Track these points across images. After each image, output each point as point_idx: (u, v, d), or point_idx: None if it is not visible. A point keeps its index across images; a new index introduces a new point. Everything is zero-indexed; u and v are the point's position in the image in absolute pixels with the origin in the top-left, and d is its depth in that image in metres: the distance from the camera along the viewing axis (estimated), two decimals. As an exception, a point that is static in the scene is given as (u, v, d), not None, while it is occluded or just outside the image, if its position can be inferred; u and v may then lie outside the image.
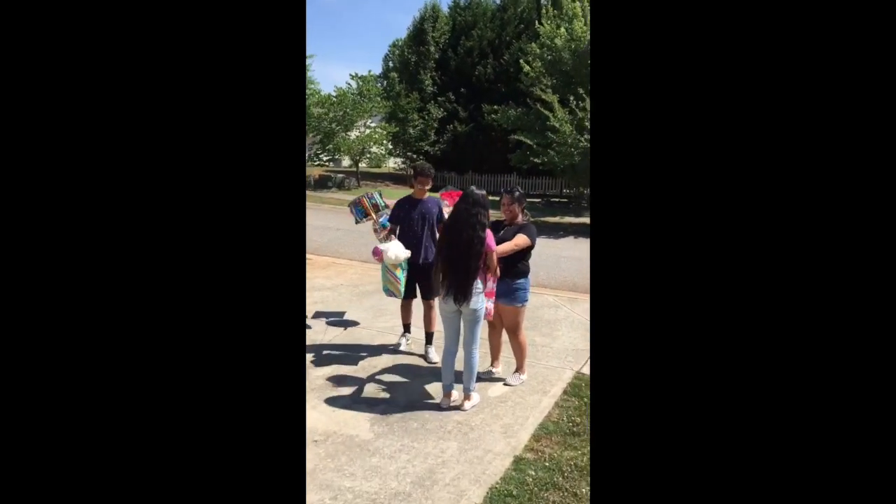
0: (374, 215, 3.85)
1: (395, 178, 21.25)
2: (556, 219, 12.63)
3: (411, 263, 3.60)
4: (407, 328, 3.95)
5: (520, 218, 3.28)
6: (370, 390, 3.21)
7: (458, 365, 3.05)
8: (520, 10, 20.85)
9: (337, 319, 4.56)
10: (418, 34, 21.99)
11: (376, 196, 3.95)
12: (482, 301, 2.89)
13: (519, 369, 3.42)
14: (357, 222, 3.99)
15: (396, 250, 3.45)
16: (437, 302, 3.11)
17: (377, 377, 3.40)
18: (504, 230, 3.23)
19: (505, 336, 3.41)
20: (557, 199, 17.23)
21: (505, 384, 3.36)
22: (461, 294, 2.80)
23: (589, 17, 13.09)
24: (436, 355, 3.64)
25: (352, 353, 3.78)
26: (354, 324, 4.46)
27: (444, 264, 2.85)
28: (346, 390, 3.18)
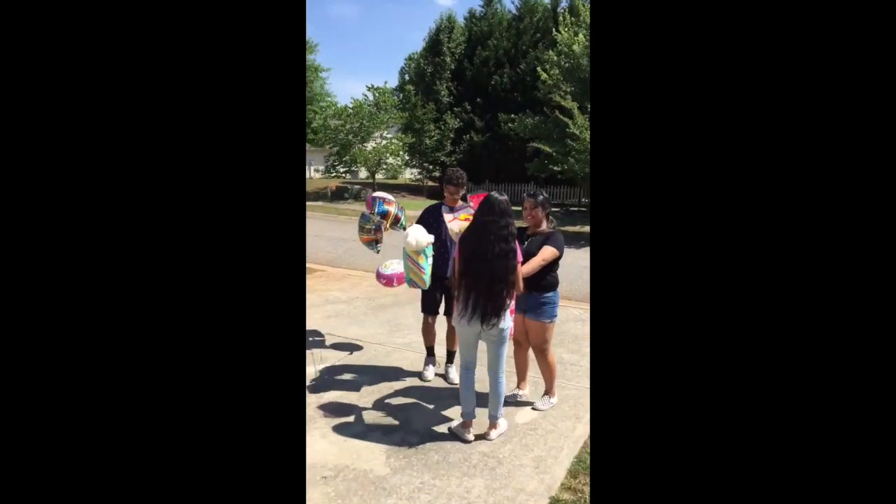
0: (388, 223, 3.50)
1: (411, 189, 21.13)
2: (577, 228, 12.28)
3: (438, 278, 3.27)
4: (431, 352, 3.53)
5: (544, 225, 2.96)
6: (386, 416, 2.93)
7: (478, 385, 2.76)
8: (536, 19, 20.75)
9: (351, 335, 4.31)
10: (434, 45, 22.01)
11: (402, 213, 3.58)
12: (509, 319, 2.61)
13: (548, 392, 3.11)
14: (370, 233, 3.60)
15: (417, 234, 3.04)
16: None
17: (393, 401, 3.12)
18: (528, 240, 2.93)
19: (530, 354, 3.11)
20: (577, 209, 16.91)
21: (533, 408, 3.05)
22: (494, 315, 2.49)
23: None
24: (457, 375, 3.35)
25: (366, 373, 3.52)
26: (370, 340, 4.21)
27: (468, 282, 2.51)
28: (360, 416, 2.91)
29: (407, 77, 24.09)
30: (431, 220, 3.31)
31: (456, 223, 2.98)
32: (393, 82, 23.68)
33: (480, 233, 2.50)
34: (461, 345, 2.69)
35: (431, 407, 3.05)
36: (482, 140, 19.94)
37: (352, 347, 4.02)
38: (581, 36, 13.41)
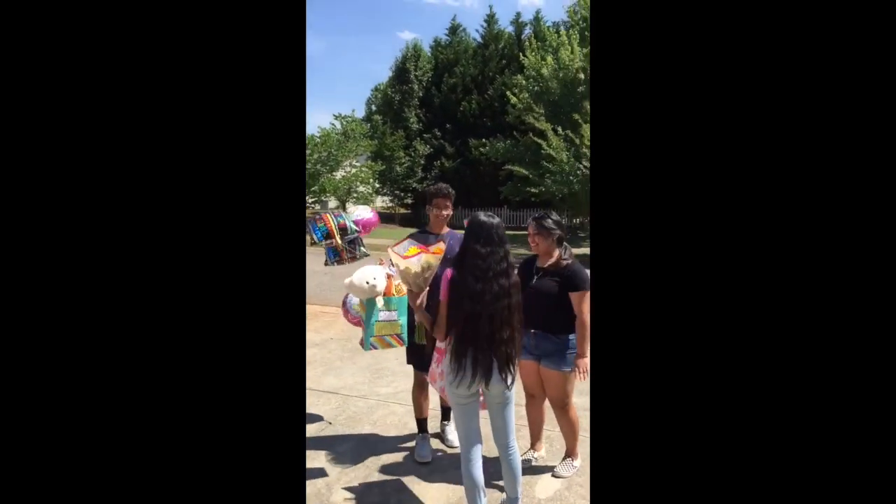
0: (338, 239, 2.71)
1: (383, 218, 20.61)
2: (556, 251, 11.99)
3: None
4: (423, 426, 2.77)
5: (555, 255, 2.41)
6: (375, 499, 2.34)
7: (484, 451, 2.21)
8: (501, 46, 21.05)
9: (327, 386, 3.69)
10: (401, 73, 21.98)
11: (344, 216, 2.81)
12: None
13: (570, 453, 2.58)
14: (328, 261, 2.82)
15: (365, 272, 2.30)
16: (443, 385, 2.15)
17: (383, 475, 2.54)
18: (539, 276, 2.42)
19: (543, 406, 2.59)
20: (552, 231, 16.68)
21: (555, 475, 2.51)
22: (501, 371, 1.94)
23: (574, 46, 12.96)
24: (456, 438, 2.75)
25: (345, 443, 2.91)
26: (349, 392, 3.60)
27: (462, 334, 1.92)
28: (343, 499, 2.32)
29: (374, 108, 23.93)
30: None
31: (415, 261, 2.19)
32: (360, 113, 23.46)
33: (472, 268, 1.91)
34: (459, 419, 2.06)
35: (431, 488, 2.47)
36: (453, 166, 19.83)
37: (328, 401, 3.40)
38: (549, 59, 13.46)
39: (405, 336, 2.44)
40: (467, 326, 1.91)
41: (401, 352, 2.67)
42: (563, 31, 13.95)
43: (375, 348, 2.41)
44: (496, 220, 2.03)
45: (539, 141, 12.29)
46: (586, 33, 13.39)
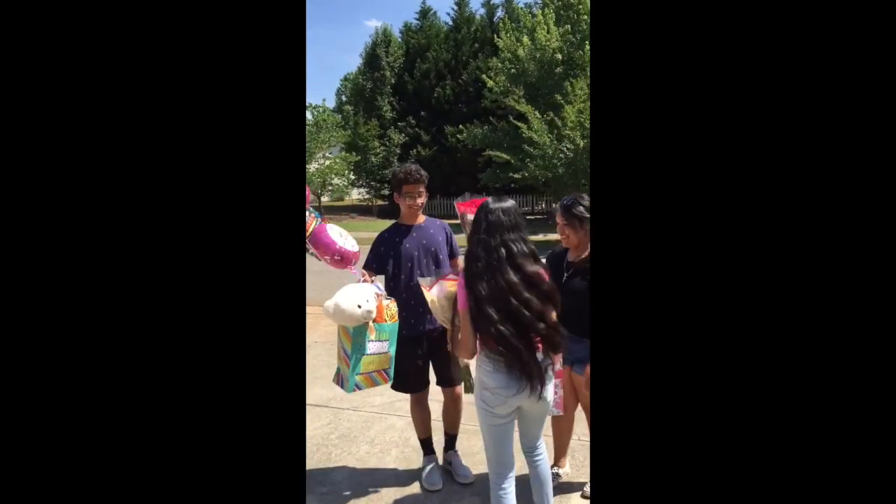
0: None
1: (360, 210, 20.12)
2: (540, 237, 11.74)
3: (412, 340, 2.19)
4: (429, 447, 2.39)
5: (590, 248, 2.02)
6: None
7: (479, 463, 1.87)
8: (473, 29, 20.57)
9: (315, 399, 3.29)
10: (372, 60, 21.33)
11: (342, 233, 2.21)
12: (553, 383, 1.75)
13: (601, 466, 2.26)
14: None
15: (352, 294, 1.87)
16: (469, 395, 1.88)
17: (387, 506, 2.18)
18: (570, 274, 2.04)
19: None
20: (532, 216, 16.51)
21: (584, 496, 2.19)
22: (540, 378, 1.61)
23: (550, 25, 12.64)
24: (465, 464, 2.39)
25: (340, 474, 2.54)
26: (340, 404, 3.21)
27: (500, 336, 1.57)
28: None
29: (344, 98, 23.25)
30: (388, 253, 2.24)
31: (437, 290, 1.89)
32: (330, 104, 22.70)
33: (491, 263, 1.60)
34: (494, 443, 1.71)
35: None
36: (430, 154, 19.38)
37: (316, 416, 3.01)
38: (525, 40, 13.10)
39: (392, 371, 2.03)
40: (496, 327, 1.56)
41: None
42: (538, 12, 13.59)
43: (360, 389, 1.97)
44: (507, 202, 1.72)
45: (520, 124, 11.96)
46: (562, 12, 13.08)
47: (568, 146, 10.91)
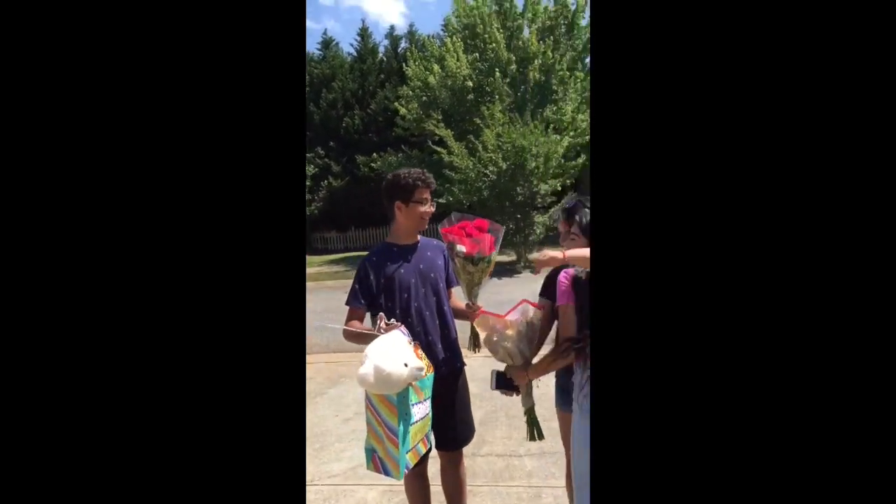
0: None
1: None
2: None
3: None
4: None
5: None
6: None
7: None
8: (378, 60, 20.54)
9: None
10: (272, 90, 20.36)
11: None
12: None
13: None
14: None
15: (388, 350, 1.39)
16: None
17: None
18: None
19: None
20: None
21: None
22: None
23: (459, 53, 12.84)
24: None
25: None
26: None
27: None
28: None
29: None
30: (379, 283, 1.78)
31: (519, 315, 1.63)
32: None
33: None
34: (584, 449, 1.36)
35: None
36: (342, 185, 18.81)
37: None
38: (436, 67, 13.18)
39: (431, 434, 1.58)
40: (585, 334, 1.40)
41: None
42: (446, 40, 13.77)
43: (409, 469, 1.48)
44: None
45: (439, 150, 11.84)
46: (469, 41, 13.36)
47: (491, 169, 10.93)
